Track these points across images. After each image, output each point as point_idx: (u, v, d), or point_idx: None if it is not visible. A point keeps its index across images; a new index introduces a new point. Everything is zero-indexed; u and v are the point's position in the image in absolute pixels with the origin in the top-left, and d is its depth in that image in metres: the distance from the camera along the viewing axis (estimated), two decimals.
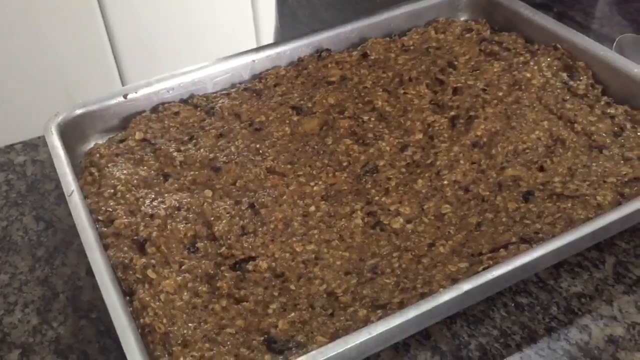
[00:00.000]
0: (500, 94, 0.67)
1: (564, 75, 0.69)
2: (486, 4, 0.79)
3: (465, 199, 0.58)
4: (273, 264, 0.54)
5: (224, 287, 0.52)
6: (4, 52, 1.53)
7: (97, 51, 1.64)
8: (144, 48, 1.67)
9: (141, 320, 0.49)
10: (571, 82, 0.68)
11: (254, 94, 0.69)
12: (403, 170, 0.62)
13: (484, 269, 0.49)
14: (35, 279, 0.58)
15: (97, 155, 0.62)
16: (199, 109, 0.68)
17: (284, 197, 0.59)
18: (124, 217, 0.56)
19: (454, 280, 0.50)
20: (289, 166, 0.62)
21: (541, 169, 0.60)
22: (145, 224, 0.55)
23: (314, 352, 0.45)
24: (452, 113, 0.66)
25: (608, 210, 0.54)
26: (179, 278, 0.52)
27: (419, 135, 0.65)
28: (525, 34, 0.75)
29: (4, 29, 1.51)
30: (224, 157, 0.62)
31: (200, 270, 0.53)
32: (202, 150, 0.63)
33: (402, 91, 0.69)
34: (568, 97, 0.67)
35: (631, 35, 0.76)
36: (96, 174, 0.60)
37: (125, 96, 0.66)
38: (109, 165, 0.61)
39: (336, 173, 0.62)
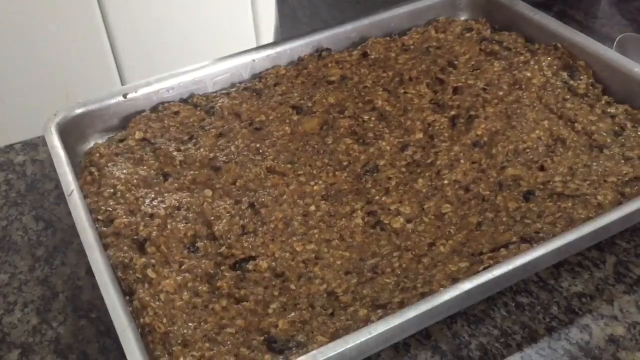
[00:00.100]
0: (501, 93, 0.67)
1: (565, 74, 0.69)
2: (486, 3, 0.79)
3: (465, 198, 0.58)
4: (273, 263, 0.54)
5: (224, 287, 0.52)
6: (3, 52, 1.53)
7: (96, 51, 1.64)
8: (143, 48, 1.67)
9: (141, 320, 0.49)
10: (571, 82, 0.68)
11: (254, 94, 0.69)
12: (403, 169, 0.62)
13: (484, 269, 0.49)
14: (35, 278, 0.58)
15: (97, 154, 0.62)
16: (198, 108, 0.68)
17: (284, 196, 0.59)
18: (124, 216, 0.56)
19: (455, 280, 0.50)
20: (289, 166, 0.62)
21: (542, 168, 0.60)
22: (145, 224, 0.55)
23: (314, 351, 0.45)
24: (453, 112, 0.66)
25: (609, 209, 0.54)
26: (178, 278, 0.52)
27: (419, 135, 0.64)
28: (526, 34, 0.75)
29: (3, 28, 1.51)
30: (224, 157, 0.62)
31: (200, 270, 0.53)
32: (202, 149, 0.63)
33: (402, 91, 0.69)
34: (568, 97, 0.67)
35: (631, 35, 0.76)
36: (96, 173, 0.60)
37: (125, 96, 0.66)
38: (108, 164, 0.61)
39: (336, 172, 0.61)
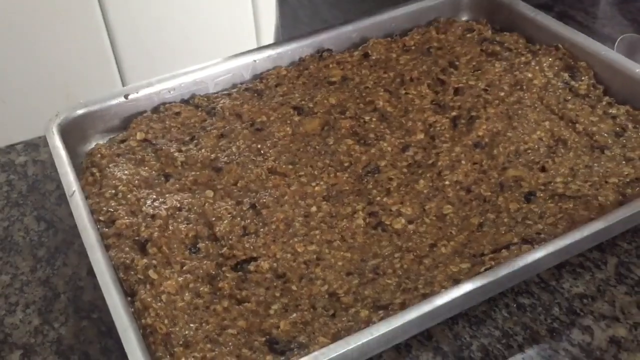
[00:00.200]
0: (502, 94, 0.67)
1: (566, 75, 0.69)
2: (487, 4, 0.79)
3: (466, 199, 0.58)
4: (274, 264, 0.54)
5: (225, 288, 0.52)
6: (4, 52, 1.53)
7: (97, 50, 1.64)
8: (144, 48, 1.67)
9: (142, 320, 0.49)
10: (573, 82, 0.68)
11: (255, 94, 0.69)
12: (404, 170, 0.62)
13: (485, 270, 0.49)
14: (37, 279, 0.58)
15: (99, 155, 0.62)
16: (200, 109, 0.68)
17: (285, 197, 0.59)
18: (125, 217, 0.56)
19: (456, 281, 0.50)
20: (290, 166, 0.62)
21: (543, 169, 0.60)
22: (146, 225, 0.55)
23: (315, 352, 0.45)
24: (454, 113, 0.66)
25: (610, 210, 0.54)
26: (180, 279, 0.52)
27: (421, 136, 0.64)
28: (527, 34, 0.75)
29: (3, 28, 1.51)
30: (225, 158, 0.62)
31: (201, 271, 0.53)
32: (203, 150, 0.63)
33: (403, 91, 0.69)
34: (569, 98, 0.67)
35: (632, 35, 0.76)
36: (97, 174, 0.60)
37: (126, 96, 0.66)
38: (110, 165, 0.61)
39: (337, 173, 0.61)
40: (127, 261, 0.52)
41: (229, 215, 0.57)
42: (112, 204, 0.57)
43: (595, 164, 0.60)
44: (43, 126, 0.62)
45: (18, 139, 0.73)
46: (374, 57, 0.73)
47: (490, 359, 0.49)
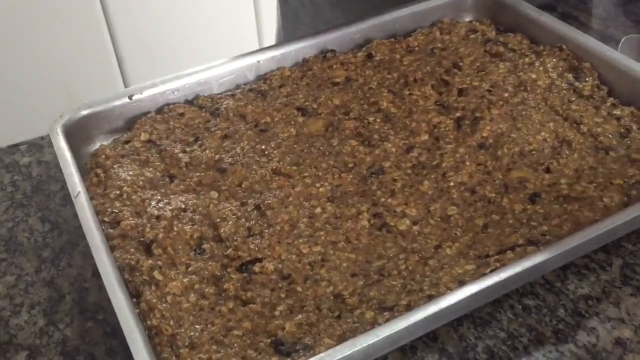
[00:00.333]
0: (506, 95, 0.67)
1: (570, 76, 0.69)
2: (491, 4, 0.79)
3: (471, 200, 0.58)
4: (279, 265, 0.54)
5: (230, 289, 0.52)
6: (6, 52, 1.53)
7: (99, 51, 1.64)
8: (146, 48, 1.67)
9: (148, 322, 0.49)
10: (577, 83, 0.68)
11: (259, 95, 0.69)
12: (409, 171, 0.62)
13: (491, 271, 0.49)
14: (41, 280, 0.58)
15: (103, 156, 0.62)
16: (204, 110, 0.68)
17: (290, 198, 0.59)
18: (130, 218, 0.56)
19: (461, 282, 0.50)
20: (294, 167, 0.62)
21: (547, 170, 0.60)
22: (151, 226, 0.55)
23: (321, 354, 0.45)
24: (458, 114, 0.66)
25: (615, 212, 0.54)
26: (185, 280, 0.52)
27: (425, 137, 0.64)
28: (531, 35, 0.75)
29: (5, 28, 1.51)
30: (230, 159, 0.62)
31: (206, 272, 0.53)
32: (207, 151, 0.63)
33: (407, 92, 0.69)
34: (574, 99, 0.67)
35: (636, 36, 0.76)
36: (102, 175, 0.60)
37: (130, 97, 0.66)
38: (114, 166, 0.61)
39: (342, 174, 0.61)
40: (132, 262, 0.52)
41: (234, 216, 0.57)
42: (117, 205, 0.57)
43: (599, 165, 0.60)
44: (45, 126, 0.62)
45: (20, 138, 0.73)
46: (377, 58, 0.73)
47: None
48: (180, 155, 0.62)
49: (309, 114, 0.67)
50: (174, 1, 1.66)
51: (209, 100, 0.69)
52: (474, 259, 0.53)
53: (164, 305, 0.50)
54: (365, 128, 0.66)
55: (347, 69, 0.73)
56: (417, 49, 0.75)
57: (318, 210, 0.58)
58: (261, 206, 0.58)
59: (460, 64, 0.71)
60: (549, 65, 0.69)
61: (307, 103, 0.68)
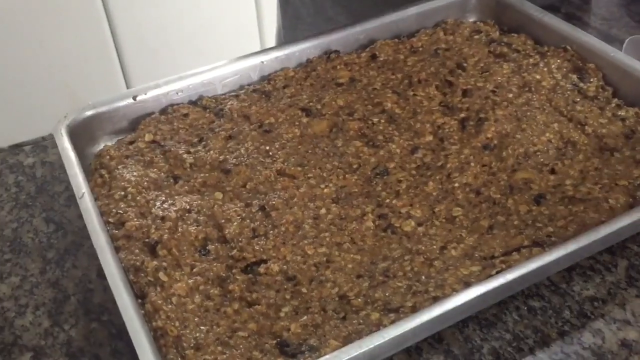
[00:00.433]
0: (510, 95, 0.67)
1: (574, 77, 0.69)
2: (495, 5, 0.79)
3: (476, 201, 0.58)
4: (284, 266, 0.54)
5: (235, 290, 0.52)
6: (9, 52, 1.53)
7: (101, 51, 1.64)
8: (147, 48, 1.67)
9: (153, 323, 0.49)
10: (581, 84, 0.68)
11: (263, 96, 0.69)
12: (413, 172, 0.62)
13: (496, 273, 0.49)
14: (46, 281, 0.58)
15: (107, 157, 0.62)
16: (208, 110, 0.68)
17: (295, 199, 0.59)
18: (135, 219, 0.56)
19: (467, 284, 0.50)
20: (299, 168, 0.62)
21: (552, 171, 0.60)
22: (156, 227, 0.55)
23: (327, 355, 0.45)
24: (462, 115, 0.66)
25: (620, 213, 0.54)
26: (190, 281, 0.52)
27: (429, 138, 0.64)
28: (535, 36, 0.75)
29: (7, 28, 1.51)
30: (234, 159, 0.62)
31: (211, 273, 0.53)
32: (211, 152, 0.63)
33: (411, 93, 0.69)
34: (578, 99, 0.67)
35: None
36: (106, 175, 0.60)
37: (134, 98, 0.66)
38: (119, 167, 0.61)
39: (346, 175, 0.61)
40: (137, 263, 0.52)
41: (238, 217, 0.57)
42: (122, 206, 0.57)
43: (605, 167, 0.59)
44: (46, 125, 0.62)
45: (21, 138, 0.73)
46: (381, 59, 0.73)
47: None
48: (185, 156, 0.62)
49: (313, 115, 0.67)
50: (175, 1, 1.66)
51: (213, 100, 0.69)
52: (479, 260, 0.52)
53: (169, 306, 0.50)
54: (369, 129, 0.66)
55: (351, 69, 0.72)
56: (421, 49, 0.75)
57: (323, 211, 0.58)
58: (266, 207, 0.58)
59: (464, 64, 0.71)
60: (553, 66, 0.69)
61: (311, 104, 0.68)
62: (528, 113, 0.65)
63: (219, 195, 0.59)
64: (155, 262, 0.52)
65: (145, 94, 0.67)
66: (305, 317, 0.50)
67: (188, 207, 0.57)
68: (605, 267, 0.55)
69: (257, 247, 0.54)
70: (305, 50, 0.73)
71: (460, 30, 0.76)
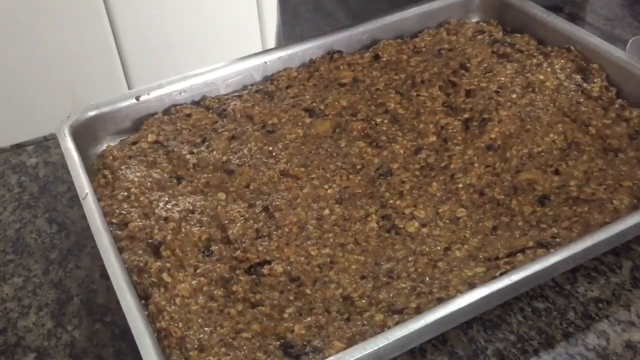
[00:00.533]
0: (514, 96, 0.67)
1: (578, 77, 0.68)
2: (498, 5, 0.79)
3: (480, 202, 0.58)
4: (288, 267, 0.53)
5: (239, 291, 0.52)
6: (10, 52, 1.53)
7: (102, 51, 1.64)
8: (149, 48, 1.67)
9: (157, 324, 0.49)
10: (585, 85, 0.68)
11: (266, 96, 0.69)
12: (417, 173, 0.61)
13: (501, 274, 0.49)
14: (49, 281, 0.58)
15: (110, 157, 0.62)
16: (211, 110, 0.68)
17: (298, 200, 0.59)
18: (138, 220, 0.56)
19: (471, 285, 0.50)
20: (302, 169, 0.62)
21: (556, 172, 0.60)
22: (159, 227, 0.55)
23: (331, 357, 0.45)
24: (466, 115, 0.66)
25: (625, 214, 0.54)
26: (194, 282, 0.52)
27: (433, 138, 0.64)
28: (538, 36, 0.74)
29: (8, 28, 1.51)
30: (237, 160, 0.62)
31: (215, 274, 0.53)
32: (214, 152, 0.63)
33: (414, 93, 0.69)
34: (582, 100, 0.66)
35: None
36: (109, 176, 0.60)
37: (137, 98, 0.66)
38: (122, 167, 0.61)
39: (350, 176, 0.61)
40: (141, 264, 0.52)
41: (242, 218, 0.57)
42: (125, 207, 0.57)
43: (609, 167, 0.59)
44: (48, 125, 0.62)
45: (23, 137, 0.73)
46: (384, 59, 0.73)
47: None
48: (188, 156, 0.62)
49: (316, 115, 0.67)
50: (176, 1, 1.65)
51: (216, 101, 0.68)
52: (483, 261, 0.52)
53: (173, 307, 0.50)
54: (372, 129, 0.66)
55: (354, 69, 0.72)
56: (424, 49, 0.74)
57: (326, 212, 0.58)
58: (269, 208, 0.58)
59: (468, 64, 0.71)
60: (556, 66, 0.69)
61: (314, 104, 0.68)
62: (532, 113, 0.65)
63: (222, 195, 0.59)
64: (158, 263, 0.52)
65: (148, 94, 0.67)
66: (309, 318, 0.50)
67: (191, 207, 0.57)
68: (610, 269, 0.55)
69: (260, 248, 0.54)
70: (308, 50, 0.73)
71: (464, 31, 0.76)
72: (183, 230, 0.55)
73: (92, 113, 0.65)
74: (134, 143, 0.64)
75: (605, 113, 0.65)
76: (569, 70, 0.69)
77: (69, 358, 0.52)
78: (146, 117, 0.66)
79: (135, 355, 0.45)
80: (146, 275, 0.52)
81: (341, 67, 0.72)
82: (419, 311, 0.48)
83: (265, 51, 0.73)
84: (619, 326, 0.51)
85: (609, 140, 0.62)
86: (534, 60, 0.71)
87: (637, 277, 0.54)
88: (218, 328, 0.49)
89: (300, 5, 0.97)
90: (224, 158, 0.62)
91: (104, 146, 0.65)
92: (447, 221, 0.57)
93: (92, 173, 0.61)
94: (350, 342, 0.47)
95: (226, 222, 0.56)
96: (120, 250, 0.53)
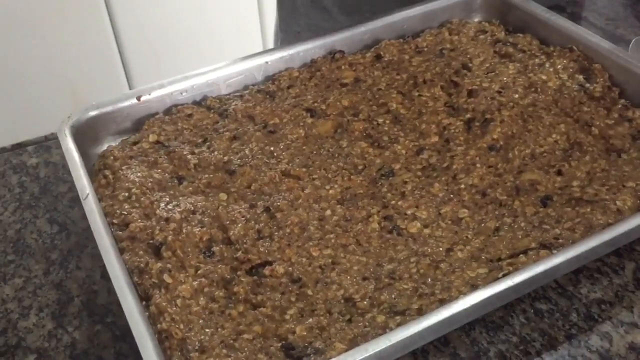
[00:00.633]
0: (516, 96, 0.66)
1: (580, 77, 0.68)
2: (500, 5, 0.78)
3: (482, 203, 0.58)
4: (290, 268, 0.53)
5: (240, 292, 0.51)
6: (12, 51, 1.53)
7: (103, 51, 1.64)
8: (150, 48, 1.67)
9: (158, 325, 0.48)
10: (587, 85, 0.67)
11: (268, 96, 0.69)
12: (419, 173, 0.61)
13: (503, 275, 0.49)
14: (50, 282, 0.58)
15: (111, 157, 0.62)
16: (212, 111, 0.67)
17: (300, 200, 0.58)
18: (139, 220, 0.55)
19: (473, 287, 0.49)
20: (304, 169, 0.61)
21: (559, 173, 0.59)
22: (160, 228, 0.55)
23: (332, 359, 0.45)
24: (468, 116, 0.65)
25: (628, 215, 0.53)
26: (195, 283, 0.51)
27: (435, 139, 0.64)
28: (540, 36, 0.74)
29: (9, 27, 1.51)
30: (239, 160, 0.62)
31: (216, 275, 0.53)
32: (216, 152, 0.63)
33: (416, 93, 0.69)
34: (585, 100, 0.66)
35: None
36: (110, 176, 0.60)
37: (138, 98, 0.66)
38: (123, 167, 0.61)
39: (351, 176, 0.61)
40: (142, 265, 0.52)
41: (243, 219, 0.56)
42: (126, 207, 0.57)
43: (611, 168, 0.59)
44: (48, 124, 0.62)
45: (24, 137, 0.73)
46: (386, 59, 0.73)
47: None
48: (189, 156, 0.62)
49: (317, 115, 0.67)
50: (177, 1, 1.65)
51: (217, 101, 0.68)
52: (485, 262, 0.52)
53: (174, 308, 0.49)
54: (374, 129, 0.66)
55: (356, 69, 0.72)
56: (426, 49, 0.74)
57: (328, 212, 0.58)
58: (271, 208, 0.57)
59: (470, 64, 0.71)
60: (559, 66, 0.69)
61: (315, 104, 0.68)
62: (534, 114, 0.64)
63: (223, 196, 0.59)
64: (159, 264, 0.52)
65: (150, 94, 0.66)
66: (310, 320, 0.49)
67: (192, 208, 0.57)
68: (613, 270, 0.55)
69: (262, 249, 0.54)
70: (309, 50, 0.73)
71: (466, 30, 0.76)
72: (184, 230, 0.55)
73: (93, 113, 0.64)
74: (135, 143, 0.64)
75: (608, 113, 0.65)
76: (571, 70, 0.69)
77: (70, 359, 0.52)
78: (147, 117, 0.66)
79: (136, 357, 0.45)
80: (147, 276, 0.51)
81: (343, 67, 0.72)
82: (421, 312, 0.48)
83: (267, 51, 0.72)
84: (622, 328, 0.51)
85: (612, 141, 0.62)
86: (536, 60, 0.70)
87: None
88: (219, 329, 0.49)
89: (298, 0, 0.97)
90: (225, 158, 0.62)
91: (104, 146, 0.65)
92: (449, 222, 0.57)
93: (93, 173, 0.61)
94: (352, 344, 0.46)
95: (227, 222, 0.56)
96: (121, 251, 0.53)
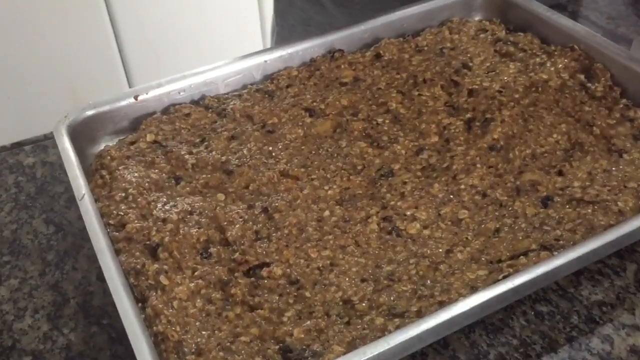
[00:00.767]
0: (517, 96, 0.66)
1: (582, 77, 0.68)
2: (501, 3, 0.78)
3: (482, 204, 0.57)
4: (288, 270, 0.53)
5: (237, 294, 0.51)
6: (12, 50, 1.53)
7: (103, 50, 1.63)
8: (149, 47, 1.67)
9: (154, 327, 0.48)
10: (589, 84, 0.67)
11: (266, 95, 0.68)
12: (419, 174, 0.61)
13: (504, 277, 0.48)
14: (46, 283, 0.57)
15: (108, 157, 0.61)
16: (210, 110, 0.67)
17: (298, 201, 0.58)
18: (136, 221, 0.55)
19: (473, 288, 0.49)
20: (302, 169, 0.61)
21: (560, 173, 0.59)
22: (157, 229, 0.54)
23: None
24: (468, 115, 0.65)
25: (630, 216, 0.53)
26: (192, 284, 0.51)
27: (435, 138, 0.63)
28: (541, 35, 0.74)
29: (9, 27, 1.51)
30: (237, 160, 0.61)
31: (213, 277, 0.52)
32: (214, 152, 0.62)
33: (416, 93, 0.68)
34: (586, 100, 0.66)
35: None
36: (107, 176, 0.60)
37: (135, 97, 0.65)
38: (119, 167, 0.60)
39: (350, 177, 0.60)
40: (138, 266, 0.52)
41: (241, 220, 0.56)
42: (122, 208, 0.56)
43: (613, 168, 0.58)
44: (48, 123, 0.61)
45: (23, 136, 0.72)
46: (386, 58, 0.72)
47: None
48: (187, 156, 0.62)
49: (316, 115, 0.66)
50: (177, 0, 1.65)
51: (216, 100, 0.68)
52: (485, 264, 0.52)
53: (170, 310, 0.49)
54: (374, 129, 0.65)
55: (355, 68, 0.72)
56: (426, 48, 0.74)
57: (326, 213, 0.57)
58: (269, 209, 0.57)
59: (470, 64, 0.70)
60: (560, 65, 0.68)
61: (314, 103, 0.67)
62: (535, 113, 0.64)
63: (221, 196, 0.58)
64: (156, 265, 0.51)
65: (147, 94, 0.66)
66: (308, 322, 0.49)
67: (190, 208, 0.57)
68: (614, 271, 0.54)
69: (259, 250, 0.54)
70: (308, 49, 0.72)
71: (466, 29, 0.75)
72: (181, 231, 0.55)
73: (90, 112, 0.64)
74: (132, 143, 0.63)
75: (610, 113, 0.64)
76: (572, 69, 0.68)
77: None
78: (145, 116, 0.65)
79: (131, 359, 0.45)
80: (143, 278, 0.51)
81: (342, 66, 0.72)
82: (420, 315, 0.47)
83: (266, 50, 0.72)
84: (623, 330, 0.50)
85: (613, 141, 0.61)
86: (537, 60, 0.70)
87: None
88: (216, 332, 0.48)
89: None
90: (223, 158, 0.62)
91: (102, 146, 0.64)
92: (449, 223, 0.56)
93: (89, 173, 0.60)
94: (350, 347, 0.46)
95: (225, 223, 0.55)
96: (117, 252, 0.53)
